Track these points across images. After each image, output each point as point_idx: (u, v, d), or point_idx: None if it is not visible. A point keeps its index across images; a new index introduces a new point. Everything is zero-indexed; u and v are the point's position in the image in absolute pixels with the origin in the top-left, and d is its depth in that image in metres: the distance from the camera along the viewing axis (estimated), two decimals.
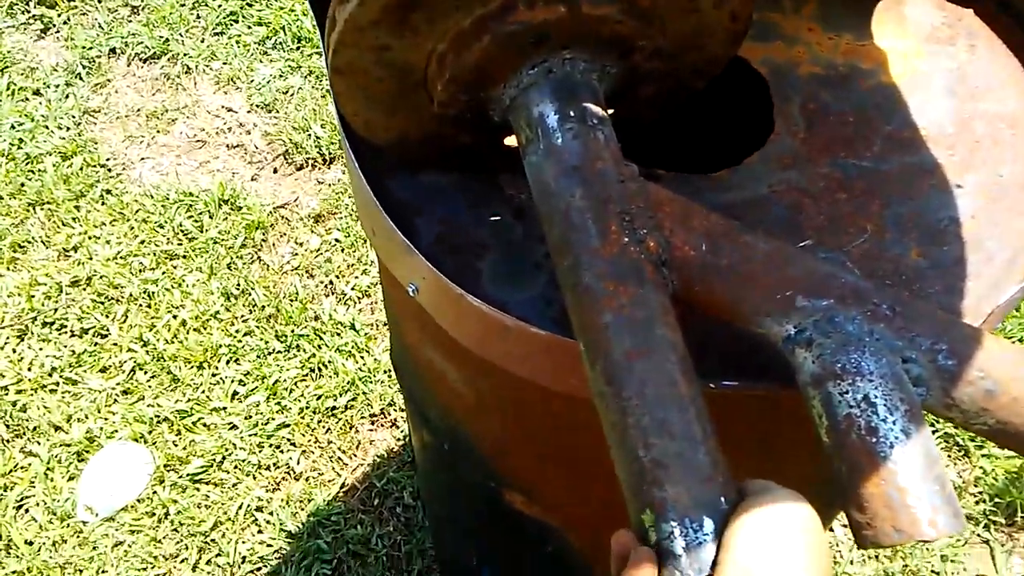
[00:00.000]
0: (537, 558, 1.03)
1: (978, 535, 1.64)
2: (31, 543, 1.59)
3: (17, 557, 1.57)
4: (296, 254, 2.04)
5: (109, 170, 2.25)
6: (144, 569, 1.56)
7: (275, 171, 2.22)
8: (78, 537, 1.61)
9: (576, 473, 0.80)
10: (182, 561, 1.57)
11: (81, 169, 2.23)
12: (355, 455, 1.70)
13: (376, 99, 0.61)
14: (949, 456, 1.73)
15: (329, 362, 1.82)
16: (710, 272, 0.56)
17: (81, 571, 1.56)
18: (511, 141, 0.71)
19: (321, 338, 1.86)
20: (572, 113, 0.58)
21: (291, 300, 1.94)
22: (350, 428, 1.74)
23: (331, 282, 1.98)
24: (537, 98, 0.58)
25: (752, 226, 0.73)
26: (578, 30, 0.56)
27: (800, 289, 0.55)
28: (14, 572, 1.55)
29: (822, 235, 0.72)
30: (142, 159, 2.28)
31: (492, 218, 0.72)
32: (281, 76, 2.35)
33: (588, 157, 0.56)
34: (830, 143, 0.79)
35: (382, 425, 1.75)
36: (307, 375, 1.81)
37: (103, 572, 1.55)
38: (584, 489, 0.81)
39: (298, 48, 2.39)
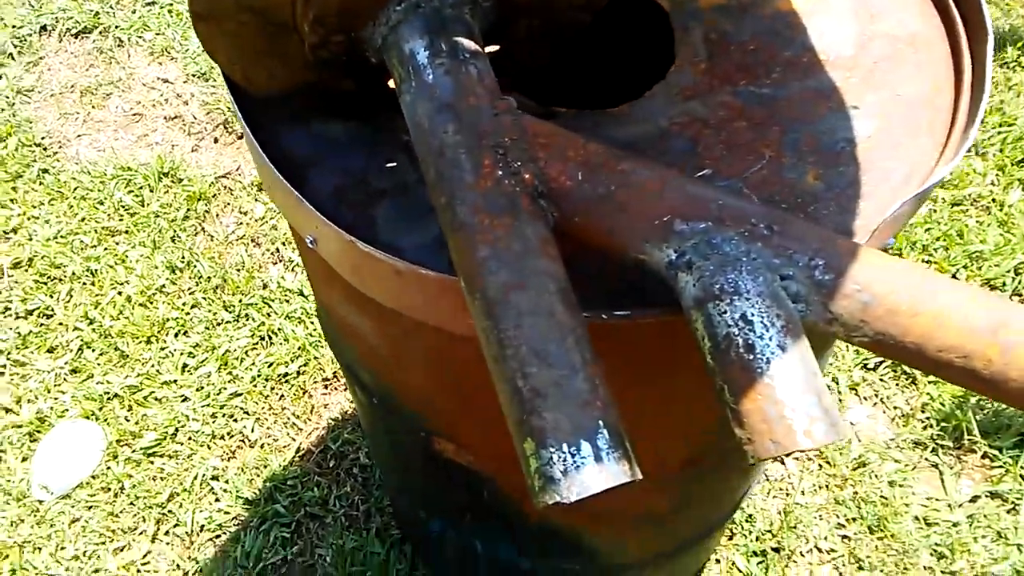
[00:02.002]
0: (475, 506, 1.04)
1: (927, 459, 1.68)
2: None
3: None
4: (241, 223, 2.02)
5: (45, 149, 2.21)
6: (103, 543, 1.56)
7: (215, 140, 2.19)
8: (35, 516, 1.60)
9: (494, 417, 0.80)
10: (140, 533, 1.57)
11: (16, 150, 2.19)
12: (309, 419, 1.70)
13: (246, 46, 0.60)
14: (896, 384, 1.76)
15: (279, 329, 1.81)
16: (588, 201, 0.56)
17: (40, 548, 1.55)
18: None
19: (270, 306, 1.85)
20: (443, 48, 0.57)
21: (237, 270, 1.92)
22: (303, 393, 1.73)
23: (277, 249, 1.96)
24: (407, 35, 0.57)
25: (653, 160, 0.73)
26: None
27: (678, 213, 0.55)
28: None
29: (721, 164, 0.72)
30: (78, 136, 2.24)
31: (388, 165, 0.72)
32: None
33: (460, 92, 0.56)
34: (730, 72, 0.79)
35: (335, 388, 1.75)
36: (258, 343, 1.80)
37: (62, 548, 1.55)
38: (504, 432, 0.81)
39: None
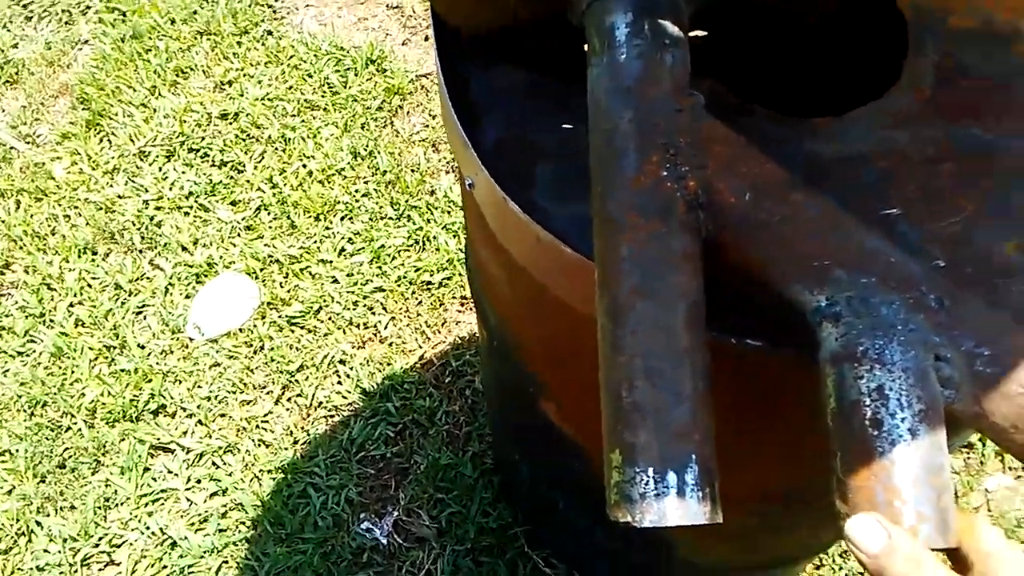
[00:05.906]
0: (564, 470, 1.05)
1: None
2: (143, 347, 1.76)
3: (128, 357, 1.74)
4: (427, 126, 2.07)
5: (275, 12, 2.33)
6: (234, 392, 1.69)
7: (425, 39, 2.23)
8: (183, 351, 1.75)
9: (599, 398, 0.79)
10: (267, 393, 1.70)
11: (250, 6, 2.32)
12: (439, 331, 1.75)
13: None
14: None
15: (434, 237, 1.86)
16: (748, 225, 0.52)
17: (180, 381, 1.71)
18: None
19: (432, 212, 1.90)
20: (645, 29, 0.54)
21: (412, 170, 1.97)
22: (440, 305, 1.78)
23: (453, 160, 2.00)
24: (613, 7, 0.55)
25: (839, 187, 0.68)
26: None
27: (840, 261, 0.51)
28: (122, 370, 1.72)
29: (909, 207, 0.65)
30: (307, 6, 2.34)
31: (564, 126, 0.70)
32: None
33: (647, 80, 0.53)
34: (954, 107, 0.71)
35: (470, 309, 1.79)
36: (411, 246, 1.86)
37: (198, 387, 1.70)
38: None
39: None
